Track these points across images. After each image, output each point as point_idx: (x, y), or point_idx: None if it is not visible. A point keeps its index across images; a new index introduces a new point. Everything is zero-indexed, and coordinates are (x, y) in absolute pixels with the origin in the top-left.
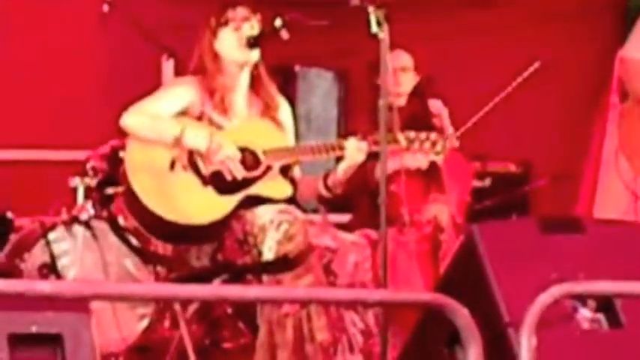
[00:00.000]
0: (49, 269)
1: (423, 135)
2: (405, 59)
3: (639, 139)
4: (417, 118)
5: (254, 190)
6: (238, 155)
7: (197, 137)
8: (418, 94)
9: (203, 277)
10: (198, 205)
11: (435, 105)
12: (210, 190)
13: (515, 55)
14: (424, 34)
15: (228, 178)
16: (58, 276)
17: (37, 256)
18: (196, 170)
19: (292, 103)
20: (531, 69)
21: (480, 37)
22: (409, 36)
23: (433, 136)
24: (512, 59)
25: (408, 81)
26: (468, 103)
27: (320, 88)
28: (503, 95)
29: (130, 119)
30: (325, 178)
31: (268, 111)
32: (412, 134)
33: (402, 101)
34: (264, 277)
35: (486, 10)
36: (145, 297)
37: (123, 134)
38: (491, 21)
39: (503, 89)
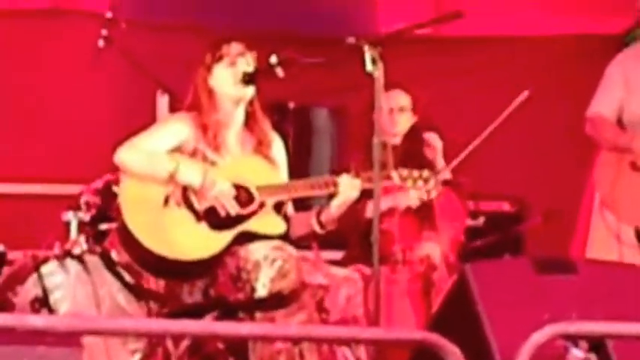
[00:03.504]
0: (41, 303)
1: (415, 172)
2: (402, 99)
3: (617, 187)
4: (411, 157)
5: (248, 226)
6: (232, 191)
7: (191, 173)
8: (414, 134)
9: (195, 312)
10: (192, 241)
11: (432, 138)
12: (203, 226)
13: (511, 93)
14: (418, 72)
15: (222, 214)
16: (51, 310)
17: (29, 289)
18: (190, 206)
19: (286, 140)
20: (520, 98)
21: (474, 74)
22: (404, 74)
23: (425, 173)
24: (508, 96)
25: (405, 121)
26: (462, 139)
27: (315, 125)
28: (494, 126)
29: (124, 155)
30: (318, 214)
31: (261, 148)
32: (405, 172)
33: (397, 140)
34: (257, 314)
35: (482, 48)
36: (137, 332)
37: (117, 170)
38: (486, 59)
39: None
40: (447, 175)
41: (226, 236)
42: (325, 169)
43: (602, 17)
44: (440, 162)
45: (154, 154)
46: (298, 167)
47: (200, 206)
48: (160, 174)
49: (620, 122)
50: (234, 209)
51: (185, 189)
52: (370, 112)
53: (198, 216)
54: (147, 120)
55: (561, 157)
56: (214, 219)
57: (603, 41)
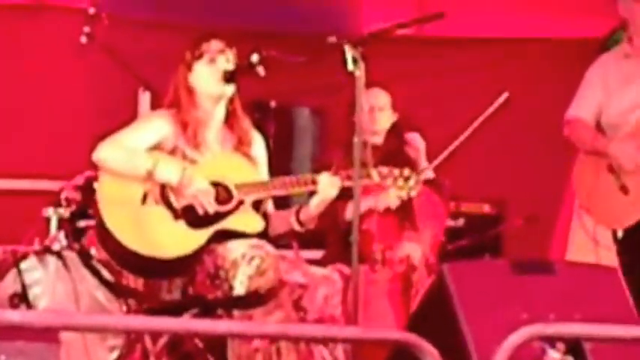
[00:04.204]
0: (20, 299)
1: (396, 171)
2: (382, 98)
3: (595, 190)
4: (392, 156)
5: (226, 224)
6: (210, 189)
7: (169, 171)
8: (395, 133)
9: (174, 310)
10: (170, 239)
11: (414, 138)
12: (181, 224)
13: (492, 94)
14: (400, 72)
15: (200, 212)
16: (29, 305)
17: (8, 285)
18: (168, 204)
19: (267, 138)
20: (500, 100)
21: (455, 75)
22: (385, 74)
23: (406, 172)
24: (489, 98)
25: (385, 119)
26: (443, 140)
27: (296, 124)
28: (474, 127)
29: (103, 152)
30: (297, 212)
31: (241, 146)
32: (385, 170)
33: (377, 139)
34: (235, 312)
35: (464, 49)
36: (115, 328)
37: (96, 167)
38: (467, 60)
39: (478, 127)
40: (429, 174)
41: (204, 234)
42: (306, 169)
43: (583, 20)
44: (423, 162)
45: (132, 151)
46: (279, 166)
47: (178, 204)
48: (138, 171)
49: (598, 126)
50: (211, 207)
51: (163, 187)
52: (351, 112)
53: (176, 214)
54: (128, 117)
55: (541, 159)
56: (192, 217)
57: (583, 44)
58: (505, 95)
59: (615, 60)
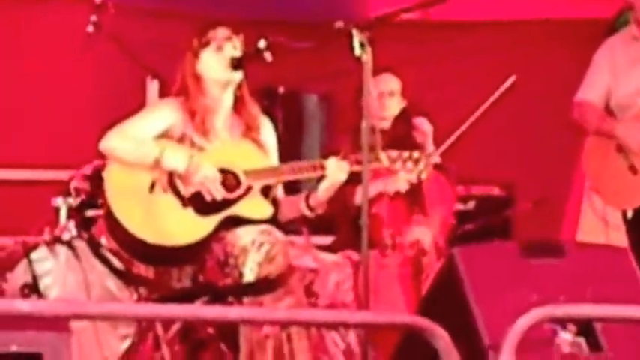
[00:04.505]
0: (31, 289)
1: (405, 154)
2: (392, 83)
3: (604, 171)
4: (400, 141)
5: (234, 211)
6: (217, 176)
7: (176, 159)
8: (404, 118)
9: (184, 298)
10: (178, 227)
11: (421, 122)
12: (190, 212)
13: (499, 77)
14: (407, 56)
15: (208, 199)
16: (40, 296)
17: (19, 275)
18: (176, 192)
19: (276, 124)
20: (507, 84)
21: (462, 59)
22: (392, 59)
23: (416, 154)
24: (496, 81)
25: (395, 105)
26: (451, 124)
27: (305, 110)
28: (481, 111)
29: (110, 142)
30: (307, 198)
31: (250, 132)
32: (394, 153)
33: (386, 124)
34: (245, 299)
35: (471, 33)
36: (125, 316)
37: (104, 157)
38: (474, 43)
39: (486, 111)
40: (436, 159)
41: (212, 221)
42: (315, 154)
43: (591, 1)
44: (430, 147)
45: (139, 140)
46: (288, 152)
47: (186, 191)
48: (145, 160)
49: (607, 108)
50: (219, 194)
51: (171, 174)
52: (359, 97)
53: (184, 201)
54: (137, 106)
55: (550, 141)
56: (200, 204)
57: (592, 25)
58: (512, 79)
59: (623, 42)
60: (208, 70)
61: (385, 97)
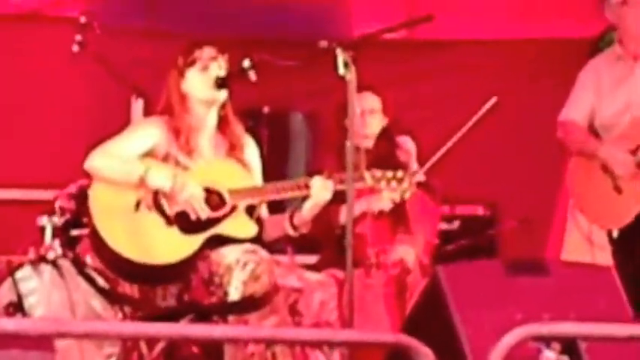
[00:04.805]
0: (16, 308)
1: (389, 173)
2: (372, 101)
3: (589, 191)
4: (384, 160)
5: (219, 229)
6: (203, 195)
7: (161, 177)
8: (386, 137)
9: (169, 317)
10: (163, 245)
11: (405, 141)
12: (174, 230)
13: (483, 96)
14: (391, 75)
15: (193, 217)
16: (25, 315)
17: (3, 294)
18: (161, 210)
19: (261, 144)
20: (488, 105)
21: (446, 77)
22: (376, 78)
23: (399, 174)
24: (480, 100)
25: (376, 123)
26: (434, 143)
27: (290, 129)
28: (464, 131)
29: (95, 161)
30: (291, 217)
31: (234, 151)
32: (378, 173)
33: (369, 143)
34: (230, 318)
35: (455, 52)
36: (109, 335)
37: (89, 176)
38: (458, 62)
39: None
40: (420, 177)
41: (197, 240)
42: (301, 173)
43: (575, 21)
44: (414, 165)
45: (124, 158)
46: (274, 172)
47: (171, 210)
48: (130, 178)
49: (592, 128)
50: (204, 212)
51: (156, 193)
52: (342, 116)
53: (169, 220)
54: (122, 124)
55: (535, 160)
56: (185, 223)
57: (576, 45)
58: (493, 100)
59: (607, 62)
60: (193, 89)
61: (366, 115)
